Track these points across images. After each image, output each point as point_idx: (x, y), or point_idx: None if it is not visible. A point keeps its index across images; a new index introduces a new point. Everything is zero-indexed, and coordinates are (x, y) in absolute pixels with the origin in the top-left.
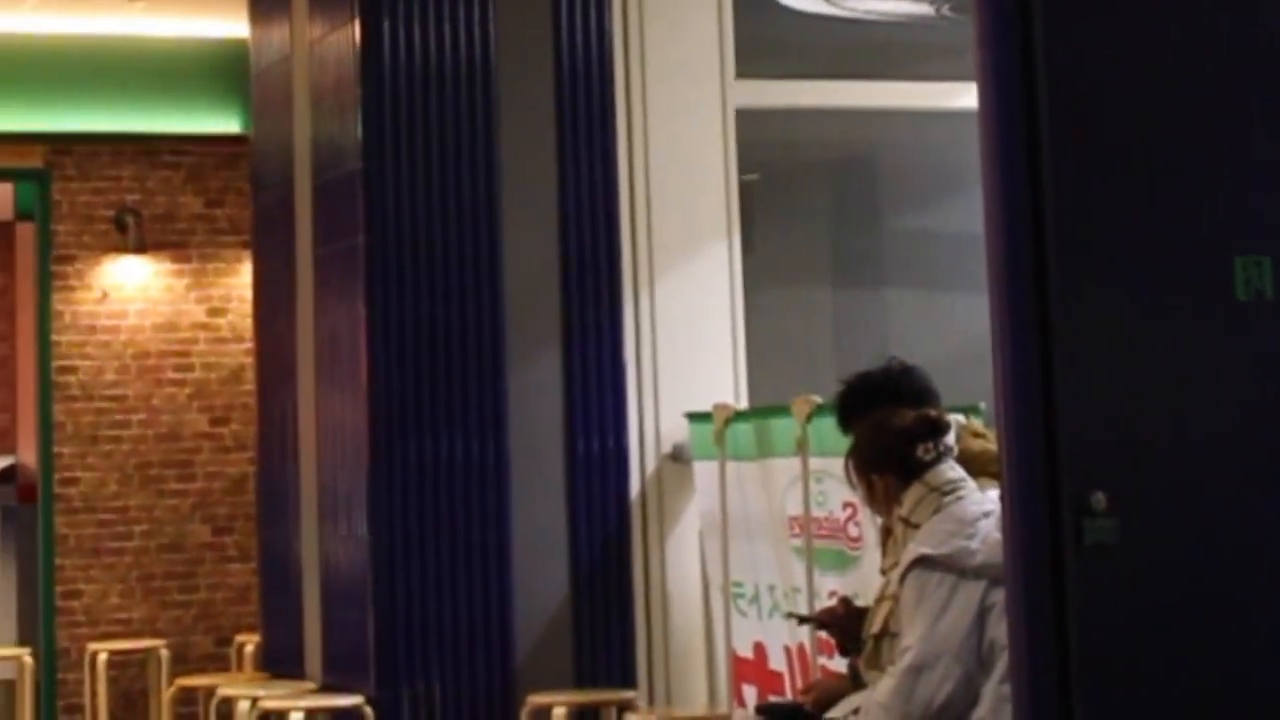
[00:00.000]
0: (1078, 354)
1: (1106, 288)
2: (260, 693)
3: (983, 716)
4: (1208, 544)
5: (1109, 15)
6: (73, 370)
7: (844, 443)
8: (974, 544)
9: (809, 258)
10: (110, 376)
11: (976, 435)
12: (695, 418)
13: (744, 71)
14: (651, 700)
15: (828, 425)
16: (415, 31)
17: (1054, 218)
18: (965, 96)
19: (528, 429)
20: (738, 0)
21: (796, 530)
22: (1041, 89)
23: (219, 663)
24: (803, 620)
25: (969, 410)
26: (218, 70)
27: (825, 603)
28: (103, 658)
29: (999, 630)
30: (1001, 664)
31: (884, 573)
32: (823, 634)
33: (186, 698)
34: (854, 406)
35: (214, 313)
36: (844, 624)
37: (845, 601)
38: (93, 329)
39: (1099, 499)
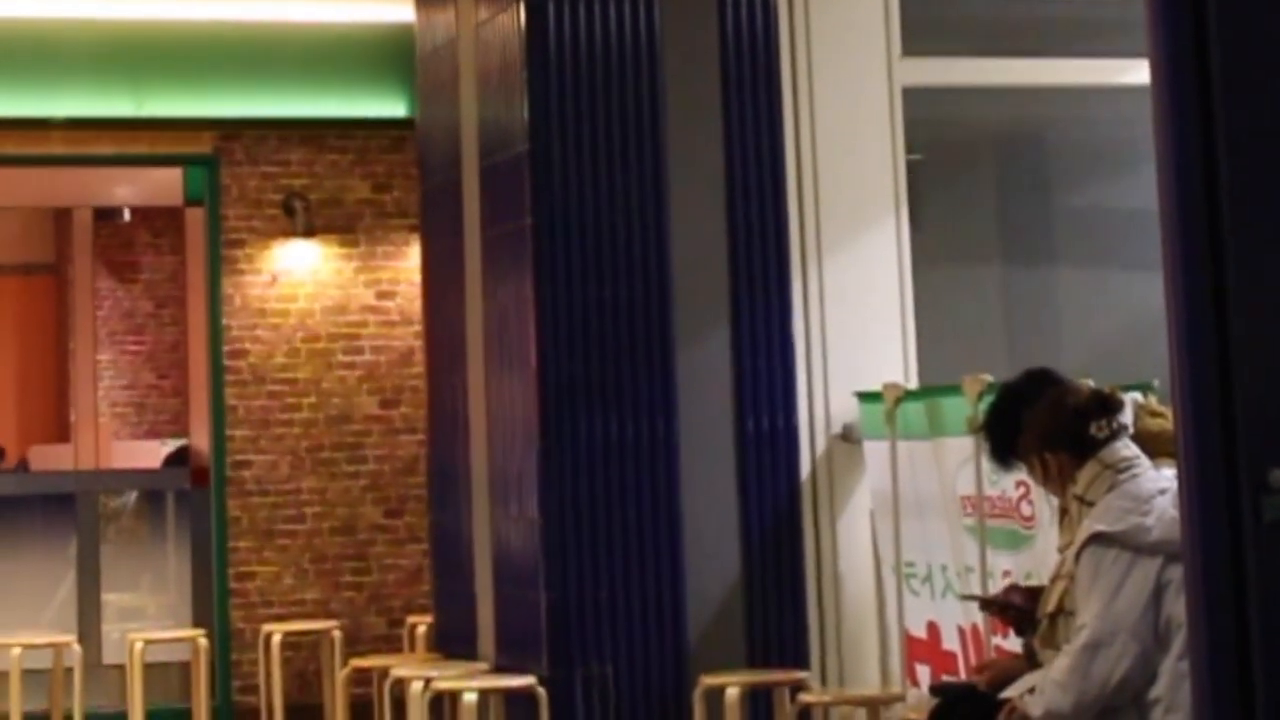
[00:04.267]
0: (1255, 328)
1: None
2: (433, 673)
3: (1160, 694)
4: None
5: None
6: (243, 354)
7: None
8: (1149, 520)
9: (977, 236)
10: (280, 360)
11: (1154, 415)
12: (865, 397)
13: (910, 50)
14: (824, 680)
15: None
16: (580, 12)
17: (1229, 191)
18: (1135, 72)
19: (697, 408)
20: None
21: (969, 509)
22: (1215, 61)
23: (392, 644)
24: (983, 604)
25: (1143, 388)
26: (384, 55)
27: (999, 582)
28: (277, 639)
29: (1176, 607)
30: (1179, 641)
31: (1060, 551)
32: (997, 615)
33: (360, 679)
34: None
35: (383, 296)
36: (1019, 604)
37: (1013, 589)
38: (263, 313)
39: (1277, 475)
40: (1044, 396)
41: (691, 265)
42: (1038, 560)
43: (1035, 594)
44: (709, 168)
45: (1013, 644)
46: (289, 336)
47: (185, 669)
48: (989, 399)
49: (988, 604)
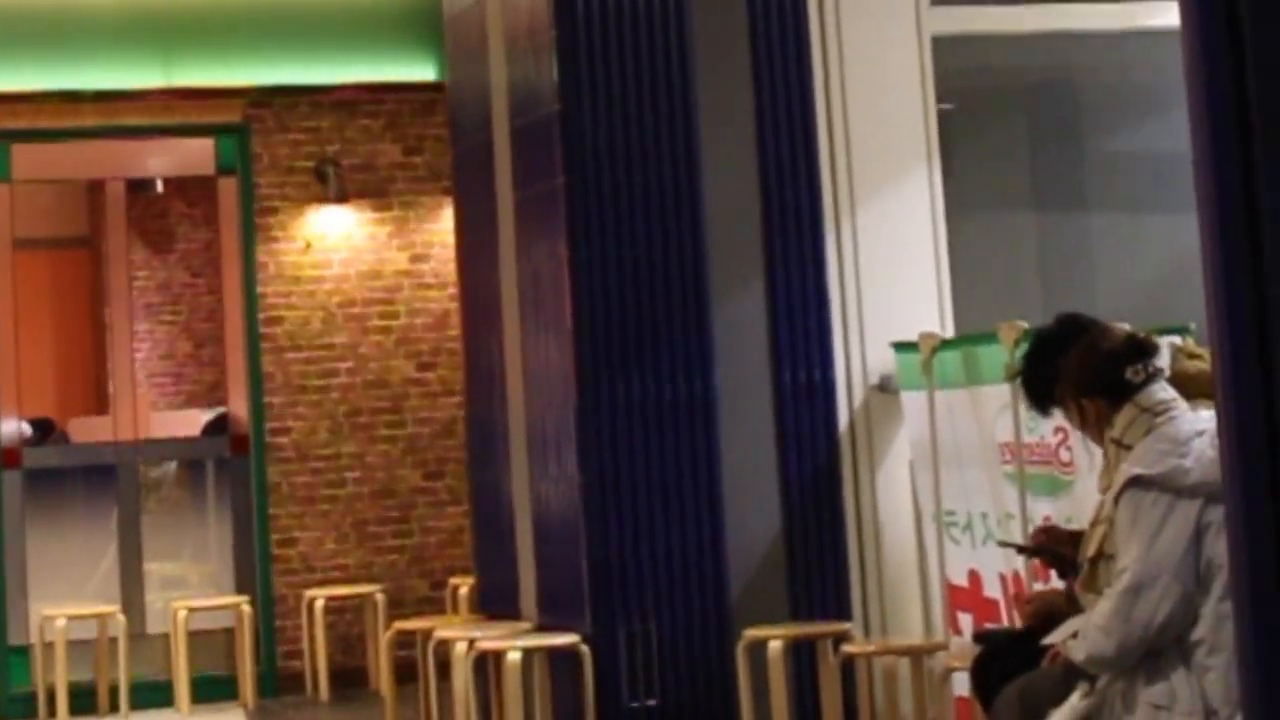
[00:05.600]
0: None
1: None
2: (477, 634)
3: (1202, 635)
4: None
5: None
6: (279, 321)
7: None
8: (1188, 462)
9: (1010, 183)
10: (316, 326)
11: (1192, 356)
12: (901, 347)
13: None
14: (867, 631)
15: None
16: None
17: (1263, 131)
18: (1164, 15)
19: (734, 364)
20: None
21: (1008, 457)
22: (1244, 1)
23: (435, 605)
24: (1020, 550)
25: (1180, 330)
26: (412, 18)
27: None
28: (320, 604)
29: (1216, 548)
30: (1220, 582)
31: (1101, 495)
32: (1038, 560)
33: (404, 641)
34: (1043, 382)
35: (417, 259)
36: (1059, 549)
37: (1048, 530)
38: (297, 279)
39: None
40: (1078, 342)
41: (725, 220)
42: (1077, 506)
43: (1075, 537)
44: (740, 123)
45: (1056, 586)
46: (324, 302)
47: (229, 636)
48: (1025, 346)
49: (1023, 550)
